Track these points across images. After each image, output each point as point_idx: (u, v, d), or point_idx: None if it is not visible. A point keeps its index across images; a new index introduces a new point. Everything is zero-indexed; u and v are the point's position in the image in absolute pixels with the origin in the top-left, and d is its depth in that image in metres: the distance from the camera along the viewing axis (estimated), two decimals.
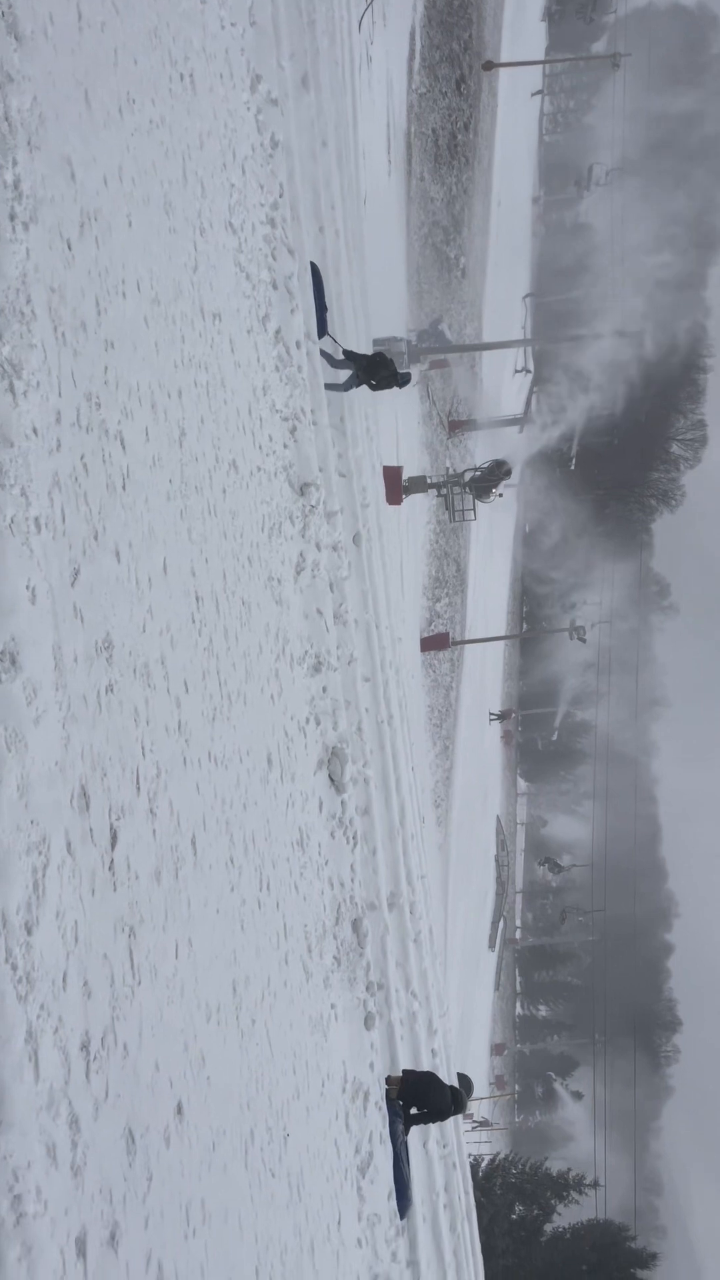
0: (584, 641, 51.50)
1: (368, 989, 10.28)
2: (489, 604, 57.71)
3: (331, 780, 10.79)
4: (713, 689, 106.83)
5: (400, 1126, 10.57)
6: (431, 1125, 12.25)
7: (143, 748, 5.35)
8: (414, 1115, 10.91)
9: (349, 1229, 8.69)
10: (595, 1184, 52.11)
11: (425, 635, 37.91)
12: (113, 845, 4.69)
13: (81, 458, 5.01)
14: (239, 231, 9.90)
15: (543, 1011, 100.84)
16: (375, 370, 14.30)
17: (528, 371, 55.70)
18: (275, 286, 10.98)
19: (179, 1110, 4.98)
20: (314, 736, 10.48)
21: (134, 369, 6.06)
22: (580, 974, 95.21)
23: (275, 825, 8.31)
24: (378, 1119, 9.83)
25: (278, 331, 10.88)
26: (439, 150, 39.59)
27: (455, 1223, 13.06)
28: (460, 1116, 13.24)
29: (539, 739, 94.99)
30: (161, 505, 6.37)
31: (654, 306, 50.86)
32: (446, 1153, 13.34)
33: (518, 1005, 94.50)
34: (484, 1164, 47.09)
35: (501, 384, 53.61)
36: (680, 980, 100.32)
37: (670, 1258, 69.55)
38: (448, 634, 41.46)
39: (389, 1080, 10.56)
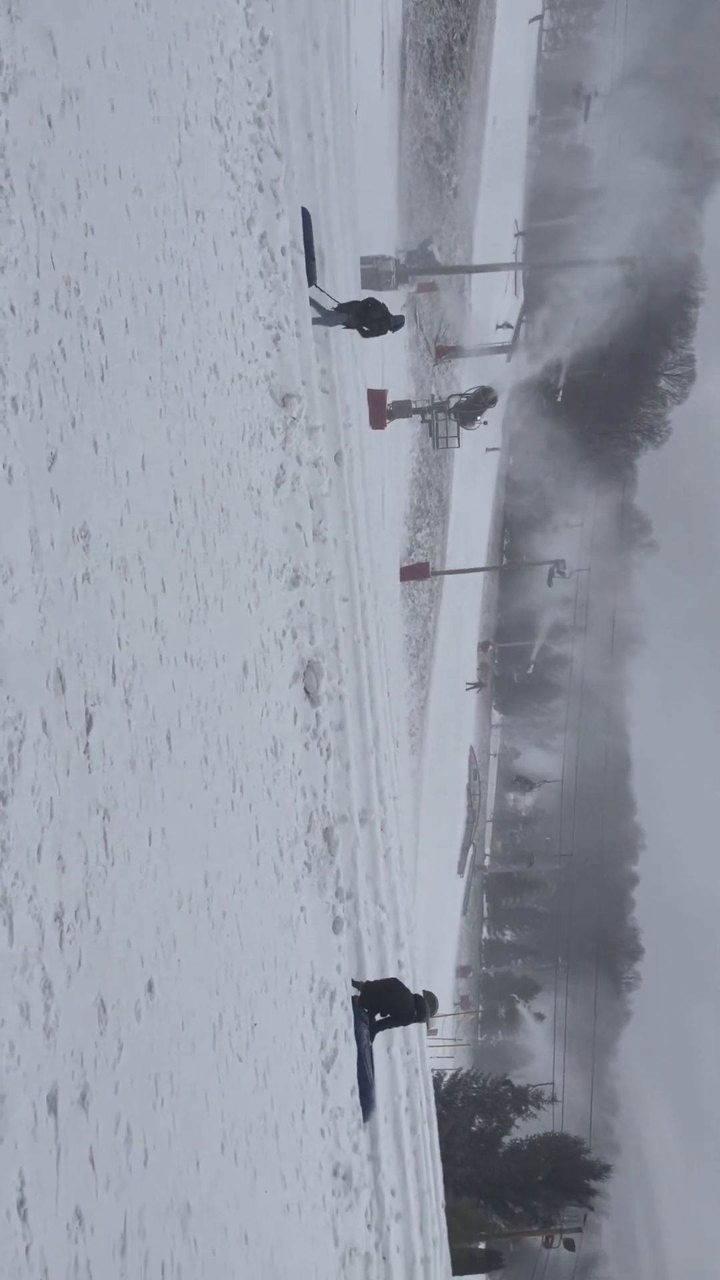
0: (564, 576, 51.65)
1: (336, 895, 10.51)
2: (470, 535, 57.55)
3: (307, 693, 10.88)
4: (689, 628, 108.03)
5: (365, 1031, 10.89)
6: (395, 1031, 12.64)
7: (119, 639, 5.39)
8: (379, 1021, 11.23)
9: (313, 1119, 9.02)
10: (553, 1099, 53.89)
11: (405, 564, 37.82)
12: (88, 729, 4.76)
13: (60, 342, 4.96)
14: (225, 129, 9.64)
15: (508, 936, 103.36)
16: (367, 314, 13.92)
17: (509, 326, 54.63)
18: (261, 189, 10.73)
19: (150, 988, 5.13)
20: (290, 649, 10.53)
21: (114, 258, 5.96)
22: (546, 901, 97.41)
23: (250, 731, 8.41)
24: (343, 1018, 10.13)
25: (263, 236, 10.66)
26: (434, 63, 38.37)
27: (416, 1125, 13.53)
28: (424, 1026, 13.64)
29: (514, 672, 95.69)
30: (140, 401, 6.32)
31: (647, 235, 49.97)
32: (410, 1059, 13.78)
33: (484, 929, 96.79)
34: (446, 1079, 48.60)
35: (490, 310, 52.75)
36: (644, 910, 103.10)
37: (622, 1171, 72.57)
38: (427, 564, 41.37)
39: (354, 984, 10.85)
